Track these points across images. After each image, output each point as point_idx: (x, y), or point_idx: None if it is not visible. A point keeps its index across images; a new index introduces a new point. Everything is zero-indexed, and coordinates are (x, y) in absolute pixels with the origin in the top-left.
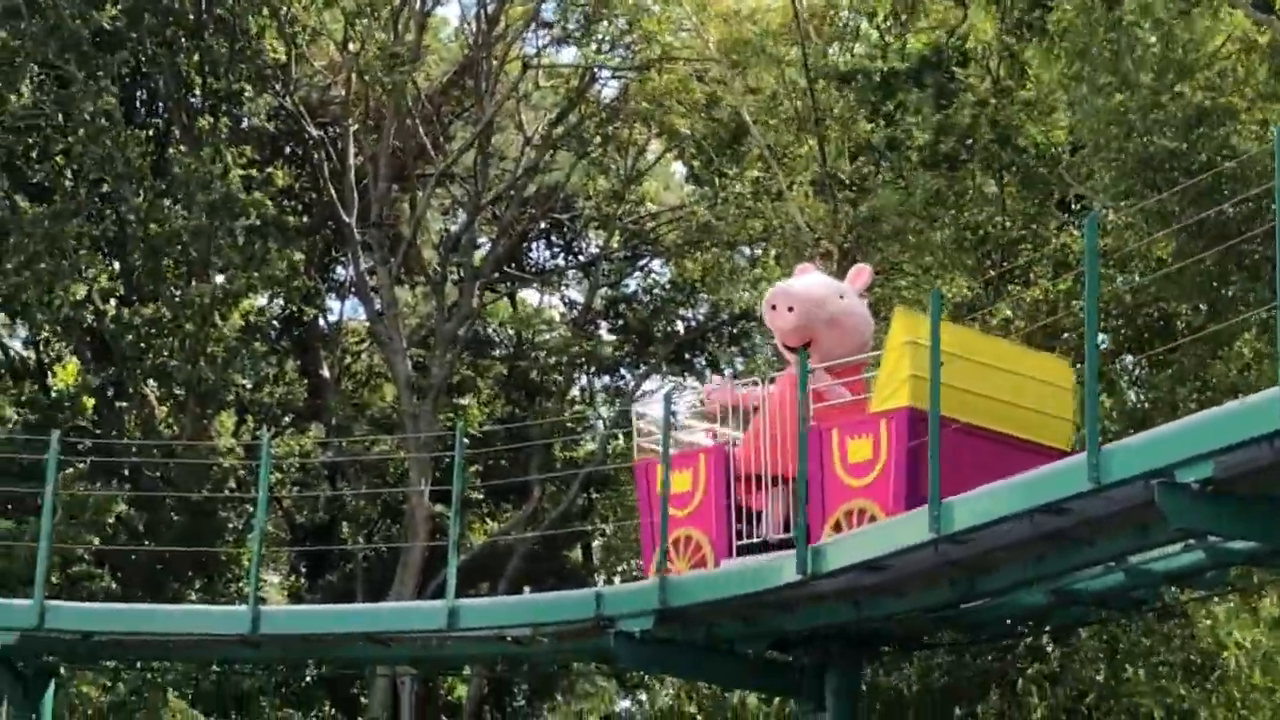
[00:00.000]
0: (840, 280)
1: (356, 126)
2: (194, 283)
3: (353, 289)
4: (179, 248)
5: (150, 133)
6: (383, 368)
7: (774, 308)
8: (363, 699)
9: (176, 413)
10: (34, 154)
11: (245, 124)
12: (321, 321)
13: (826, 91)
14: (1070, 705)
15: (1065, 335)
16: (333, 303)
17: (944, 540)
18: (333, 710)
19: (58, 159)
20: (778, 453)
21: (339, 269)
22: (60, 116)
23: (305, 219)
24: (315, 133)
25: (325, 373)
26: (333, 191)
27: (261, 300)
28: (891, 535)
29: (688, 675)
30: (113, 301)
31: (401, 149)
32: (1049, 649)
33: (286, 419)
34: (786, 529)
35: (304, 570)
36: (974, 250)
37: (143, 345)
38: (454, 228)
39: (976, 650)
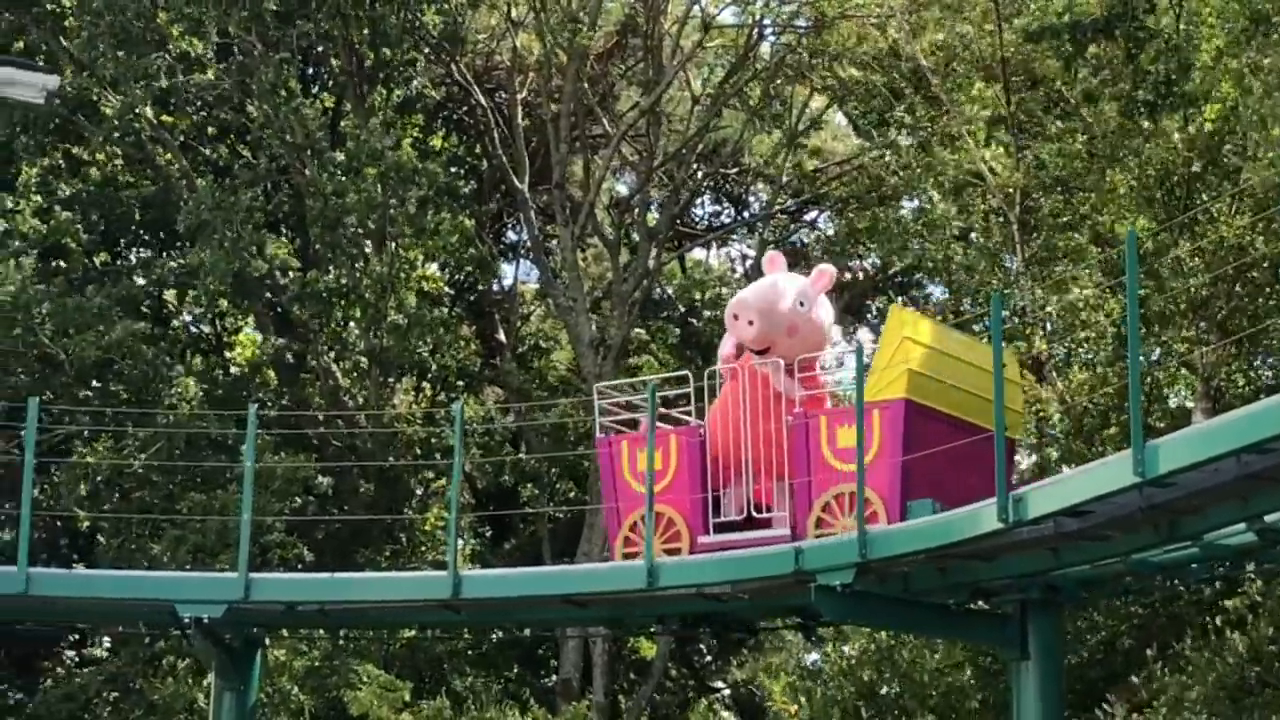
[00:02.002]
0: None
1: (525, 92)
2: (371, 253)
3: (526, 253)
4: (355, 219)
5: (325, 105)
6: (555, 331)
7: (735, 318)
8: (553, 660)
9: (359, 382)
10: (210, 131)
11: (417, 92)
12: (495, 286)
13: (1015, 44)
14: (1273, 638)
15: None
16: (506, 267)
17: (1149, 484)
18: (523, 672)
19: (234, 135)
20: (741, 439)
21: (509, 234)
22: (240, 90)
23: (475, 185)
24: (483, 100)
25: (501, 337)
26: (503, 157)
27: (435, 268)
28: (1095, 481)
29: (889, 626)
30: (291, 274)
31: (572, 111)
32: (1248, 587)
33: (461, 384)
34: (757, 510)
35: (488, 535)
36: (1158, 186)
37: (323, 316)
38: (622, 188)
39: (1175, 593)
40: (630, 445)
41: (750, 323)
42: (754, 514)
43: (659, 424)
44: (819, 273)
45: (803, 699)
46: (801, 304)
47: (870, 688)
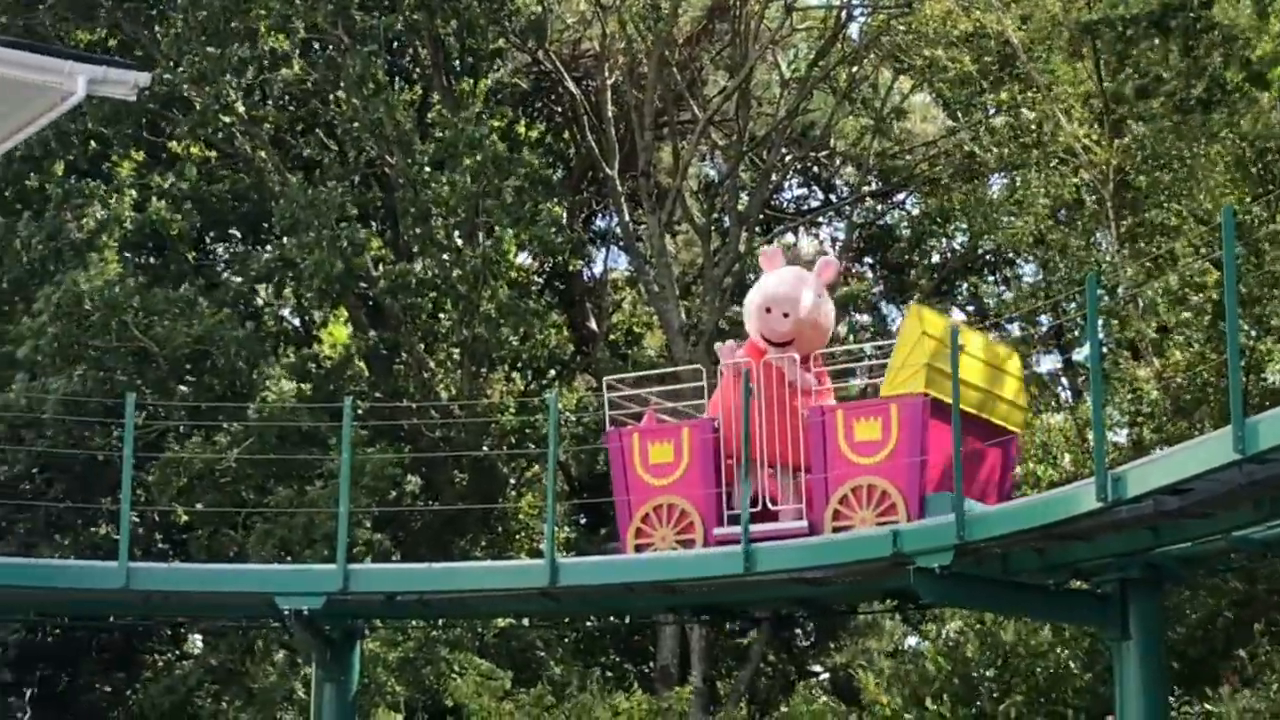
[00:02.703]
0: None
1: (613, 78)
2: (462, 244)
3: (616, 240)
4: (448, 210)
5: (413, 97)
6: (646, 317)
7: (769, 311)
8: (651, 647)
9: (451, 372)
10: (300, 127)
11: (502, 81)
12: (585, 274)
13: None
14: None
15: None
16: (594, 254)
17: (1249, 460)
18: (621, 659)
19: (323, 130)
20: (755, 432)
21: (599, 221)
22: (328, 83)
23: (564, 173)
24: (572, 87)
25: (593, 325)
26: (592, 144)
27: (526, 257)
28: (1194, 458)
29: (988, 608)
30: (382, 266)
31: (659, 97)
32: None
33: (554, 373)
34: (752, 504)
35: (584, 523)
36: (1255, 163)
37: (415, 307)
38: (711, 172)
39: (1277, 569)
40: (641, 438)
41: (785, 315)
42: (768, 506)
43: (668, 418)
44: (825, 265)
45: (898, 685)
46: (819, 297)
47: (969, 671)
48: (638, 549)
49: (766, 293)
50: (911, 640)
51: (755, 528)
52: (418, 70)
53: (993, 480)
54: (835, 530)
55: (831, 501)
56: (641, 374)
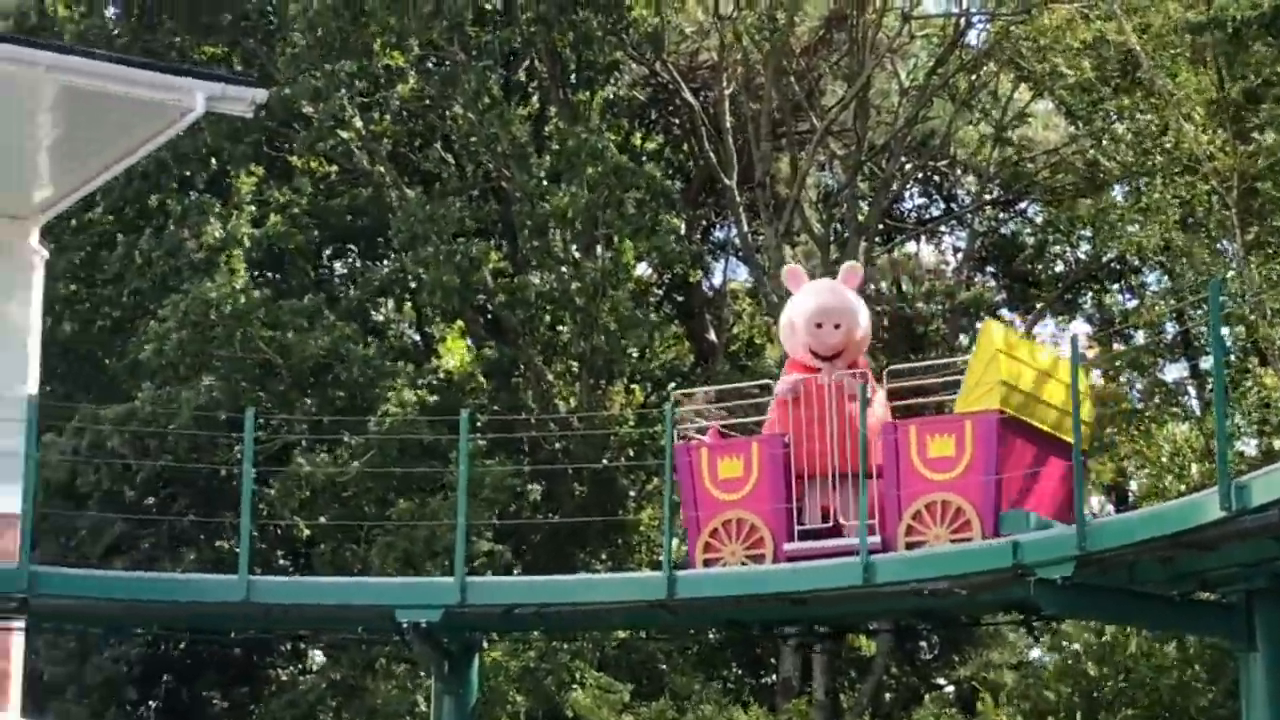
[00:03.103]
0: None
1: (730, 89)
2: (581, 256)
3: (736, 251)
4: (565, 223)
5: (529, 111)
6: (765, 328)
7: (820, 326)
8: (772, 659)
9: (570, 385)
10: (418, 141)
11: (619, 94)
12: (704, 285)
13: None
14: None
15: None
16: (713, 266)
17: None
18: (742, 671)
19: (440, 144)
20: (815, 448)
21: (717, 231)
22: (444, 99)
23: (683, 184)
24: (690, 98)
25: (711, 336)
26: (711, 155)
27: (644, 268)
28: None
29: (1111, 619)
30: (500, 280)
31: (777, 108)
32: None
33: (673, 384)
34: (824, 519)
35: None
36: None
37: (533, 321)
38: (830, 182)
39: None
40: (710, 453)
41: (837, 326)
42: (840, 522)
43: (735, 434)
44: (851, 272)
45: (1018, 703)
46: (859, 303)
47: (1090, 688)
48: (706, 564)
49: (816, 308)
50: (1035, 653)
51: (826, 543)
52: (534, 83)
53: (1066, 497)
54: (908, 547)
55: (904, 518)
56: (709, 388)
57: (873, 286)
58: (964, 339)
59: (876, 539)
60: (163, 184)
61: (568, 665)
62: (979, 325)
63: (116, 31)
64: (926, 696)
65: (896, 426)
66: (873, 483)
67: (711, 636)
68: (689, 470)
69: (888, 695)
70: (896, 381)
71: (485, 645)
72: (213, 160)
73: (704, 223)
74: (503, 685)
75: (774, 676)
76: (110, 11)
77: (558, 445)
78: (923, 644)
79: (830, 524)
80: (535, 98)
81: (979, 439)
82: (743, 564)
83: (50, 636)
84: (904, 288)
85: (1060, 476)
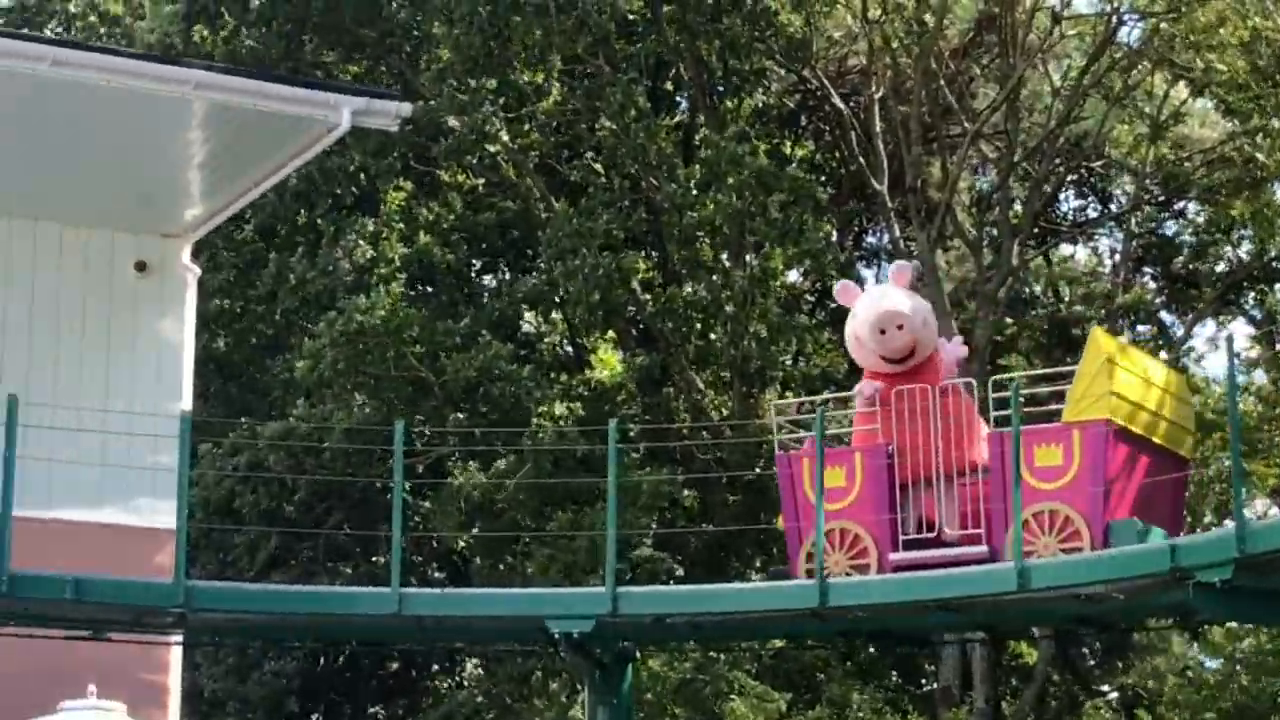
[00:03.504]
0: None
1: (879, 93)
2: (730, 264)
3: (888, 257)
4: (713, 231)
5: (676, 120)
6: None
7: (883, 332)
8: (929, 667)
9: (722, 393)
10: (565, 152)
11: (767, 102)
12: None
13: None
14: None
15: None
16: (865, 271)
17: None
18: (901, 680)
19: (588, 155)
20: (911, 456)
21: (869, 237)
22: (589, 112)
23: (832, 190)
24: (839, 104)
25: None
26: (861, 160)
27: (795, 275)
28: None
29: (1271, 623)
30: (651, 290)
31: (927, 111)
32: None
33: (827, 391)
34: (921, 529)
35: None
36: None
37: (684, 329)
38: (982, 185)
39: None
40: (811, 463)
41: (900, 327)
42: (944, 530)
43: (837, 443)
44: (899, 271)
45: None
46: (915, 298)
47: (1247, 701)
48: (808, 574)
49: (874, 315)
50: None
51: (934, 553)
52: (681, 93)
53: (1170, 507)
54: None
55: (1012, 528)
56: (810, 399)
57: (1026, 290)
58: (1122, 341)
59: (984, 549)
60: (313, 201)
61: (725, 675)
62: (1138, 328)
63: (259, 49)
64: (1088, 704)
65: (1003, 436)
66: (975, 488)
67: (870, 647)
68: (790, 480)
69: (1051, 703)
70: (1003, 392)
71: (639, 656)
72: (360, 177)
73: (855, 228)
74: (661, 698)
75: (934, 684)
76: (250, 33)
77: (710, 454)
78: (1085, 650)
79: (935, 533)
80: (683, 107)
81: (1088, 448)
82: (847, 574)
83: (210, 652)
84: (1060, 291)
85: (1170, 486)
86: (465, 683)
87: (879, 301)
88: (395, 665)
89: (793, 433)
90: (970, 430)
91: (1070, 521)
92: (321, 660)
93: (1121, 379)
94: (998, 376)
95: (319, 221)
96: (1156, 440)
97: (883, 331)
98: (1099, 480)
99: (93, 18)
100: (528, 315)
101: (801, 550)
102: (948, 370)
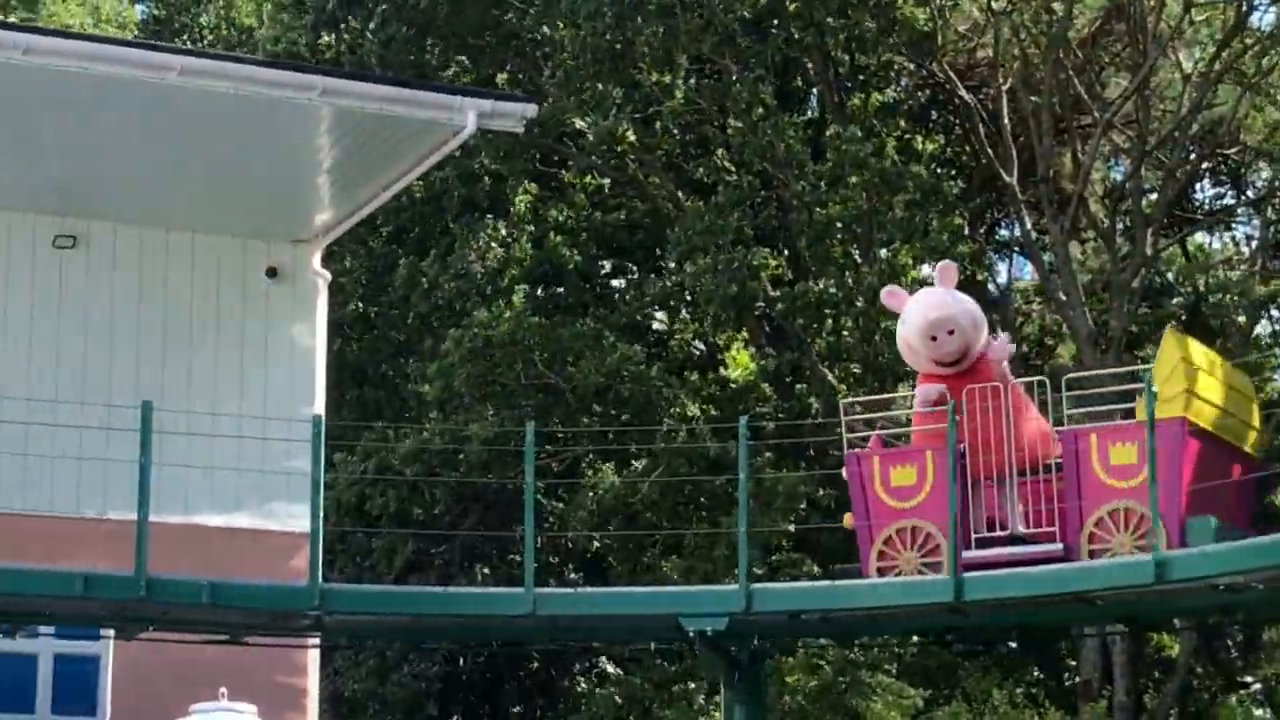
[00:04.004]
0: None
1: (1007, 84)
2: (860, 260)
3: (1020, 249)
4: (843, 228)
5: (805, 117)
6: (1055, 326)
7: (935, 339)
8: (1070, 661)
9: (855, 389)
10: (693, 150)
11: (895, 97)
12: (990, 285)
13: None
14: None
15: None
16: (998, 265)
17: None
18: (1041, 674)
19: (718, 153)
20: (987, 453)
21: (1001, 230)
22: (717, 110)
23: (962, 184)
24: (966, 96)
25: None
26: (990, 153)
27: (926, 270)
28: None
29: None
30: (780, 287)
31: (1057, 102)
32: None
33: (1112, 370)
34: (990, 527)
35: None
36: None
37: (815, 327)
38: (1116, 176)
39: None
40: (881, 461)
41: (950, 333)
42: (1018, 529)
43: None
44: (944, 270)
45: None
46: (960, 299)
47: None
48: (880, 573)
49: (924, 323)
50: None
51: (1009, 550)
52: (807, 89)
53: (1240, 503)
54: (1091, 555)
55: (1087, 525)
56: (878, 398)
57: (1159, 279)
58: (1260, 330)
59: (1059, 546)
60: (444, 205)
61: (866, 680)
62: (1276, 315)
63: (384, 54)
64: (1231, 697)
65: (1077, 434)
66: (1045, 485)
67: (1009, 642)
68: (859, 479)
69: (1196, 696)
70: (1078, 389)
71: (777, 655)
72: (486, 180)
73: (987, 221)
74: (796, 696)
75: (1074, 679)
76: (375, 40)
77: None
78: (1228, 642)
79: (1008, 531)
80: (812, 103)
81: (1164, 446)
82: (920, 573)
83: (350, 655)
84: (1196, 280)
85: (1240, 484)
86: (604, 683)
87: (929, 308)
88: (534, 665)
89: (864, 430)
90: (1038, 427)
91: (1146, 519)
92: (461, 662)
93: (1196, 378)
94: (1070, 375)
95: (451, 225)
96: (1226, 438)
97: (934, 338)
98: (1175, 477)
99: (225, 30)
100: (658, 315)
101: (873, 548)
102: (999, 367)
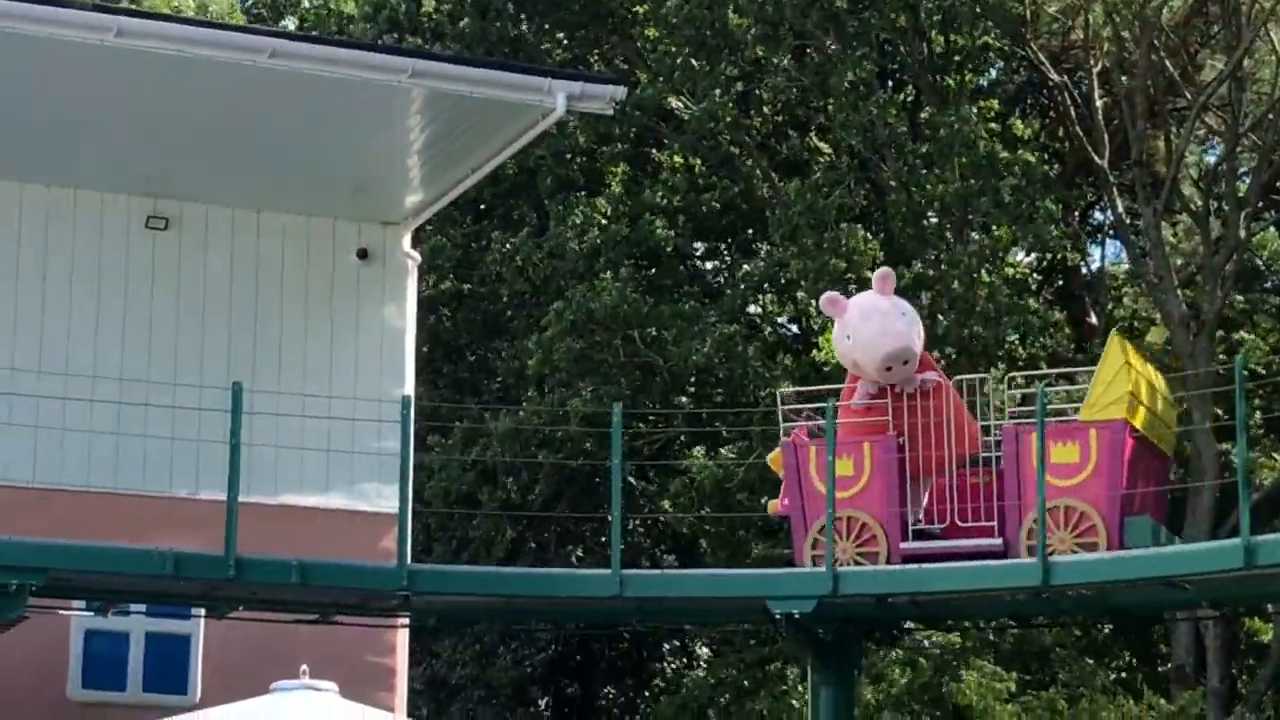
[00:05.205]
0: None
1: (1101, 68)
2: (956, 242)
3: (1112, 233)
4: (940, 210)
5: (903, 98)
6: (1148, 310)
7: (891, 369)
8: (1163, 647)
9: (948, 372)
10: (789, 130)
11: (991, 80)
12: (1084, 269)
13: None
14: None
15: None
16: (1091, 248)
17: None
18: (1133, 660)
19: (812, 131)
20: (926, 449)
21: (1096, 214)
22: (817, 89)
23: (1057, 167)
24: (1059, 79)
25: (1093, 320)
26: (1083, 136)
27: (1022, 254)
28: None
29: None
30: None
31: (1149, 85)
32: None
33: (1054, 370)
34: (929, 521)
35: None
36: None
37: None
38: (1209, 159)
39: None
40: (818, 450)
41: (905, 363)
42: (958, 522)
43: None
44: (883, 279)
45: None
46: (904, 314)
47: None
48: (814, 561)
49: (886, 352)
50: None
51: (944, 544)
52: (904, 70)
53: (1159, 501)
54: (1030, 551)
55: (1026, 522)
56: (815, 389)
57: (1252, 263)
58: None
59: (999, 540)
60: (537, 185)
61: (953, 658)
62: None
63: (474, 35)
64: None
65: (1019, 432)
66: (977, 481)
67: (1100, 626)
68: (795, 467)
69: None
70: (1019, 389)
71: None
72: (580, 158)
73: (1081, 205)
74: (891, 679)
75: (1167, 664)
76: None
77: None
78: None
79: (946, 524)
80: (909, 85)
81: (1105, 446)
82: (856, 563)
83: (451, 640)
84: None
85: (1160, 482)
86: (696, 666)
87: (886, 338)
88: (625, 648)
89: (796, 419)
90: (971, 426)
91: (1086, 517)
92: (560, 646)
93: (1135, 381)
94: (1011, 374)
95: (545, 202)
96: (1152, 439)
97: (889, 369)
98: (1116, 477)
99: (325, 12)
100: (754, 296)
101: (807, 537)
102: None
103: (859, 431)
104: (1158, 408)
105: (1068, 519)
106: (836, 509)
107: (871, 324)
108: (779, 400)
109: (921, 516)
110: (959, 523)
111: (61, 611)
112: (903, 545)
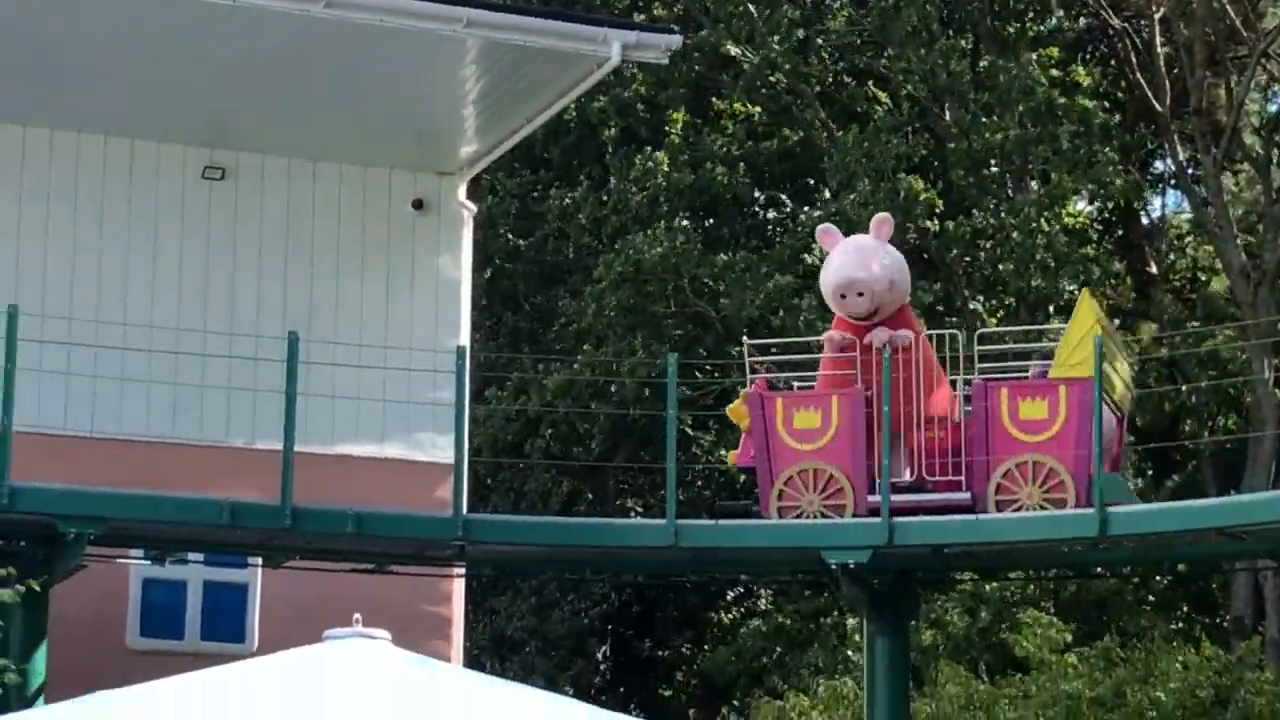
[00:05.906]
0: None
1: (1161, 15)
2: (1015, 191)
3: (1173, 182)
4: (1000, 158)
5: (965, 45)
6: (1209, 259)
7: (844, 296)
8: (1221, 597)
9: (1008, 322)
10: (846, 79)
11: (1051, 26)
12: (1144, 219)
13: None
14: None
15: None
16: (1153, 197)
17: None
18: (1191, 611)
19: (871, 80)
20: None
21: (1156, 163)
22: (880, 34)
23: (1118, 116)
24: (1120, 25)
25: (1152, 269)
26: (1144, 84)
27: (1083, 203)
28: None
29: None
30: (935, 219)
31: (1210, 33)
32: None
33: (1116, 321)
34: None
35: (1150, 474)
36: None
37: (968, 258)
38: (1271, 107)
39: None
40: (785, 403)
41: (860, 295)
42: (925, 475)
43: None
44: (880, 223)
45: None
46: (885, 260)
47: None
48: (780, 513)
49: (837, 278)
50: None
51: (913, 498)
52: (965, 18)
53: (1116, 456)
54: (999, 505)
55: (994, 477)
56: (785, 340)
57: None
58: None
59: (966, 495)
60: (598, 138)
61: (1011, 608)
62: None
63: None
64: None
65: (988, 387)
66: (946, 435)
67: (1161, 578)
68: (762, 419)
69: None
70: (986, 345)
71: (924, 593)
72: (640, 110)
73: (1141, 153)
74: (946, 628)
75: (1226, 615)
76: None
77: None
78: None
79: (914, 477)
80: (969, 32)
81: (1074, 404)
82: (822, 515)
83: (509, 595)
84: None
85: (1117, 440)
86: (752, 616)
87: (846, 265)
88: (682, 599)
89: (761, 369)
90: (940, 380)
91: (1055, 473)
92: (617, 598)
93: (1106, 343)
94: (982, 330)
95: (608, 154)
96: (1114, 397)
97: (843, 297)
98: (1085, 434)
99: None
100: (809, 246)
101: (774, 489)
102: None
103: (828, 384)
104: (1118, 367)
105: (1036, 474)
106: (802, 460)
107: (842, 256)
108: (746, 351)
109: (907, 475)
110: (926, 476)
111: (120, 560)
112: (871, 498)
